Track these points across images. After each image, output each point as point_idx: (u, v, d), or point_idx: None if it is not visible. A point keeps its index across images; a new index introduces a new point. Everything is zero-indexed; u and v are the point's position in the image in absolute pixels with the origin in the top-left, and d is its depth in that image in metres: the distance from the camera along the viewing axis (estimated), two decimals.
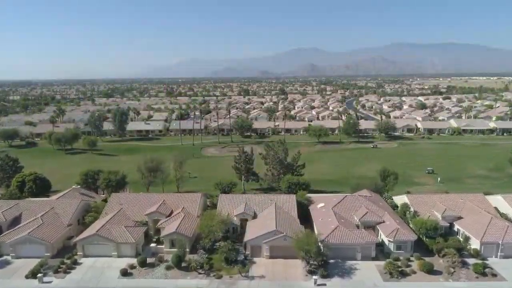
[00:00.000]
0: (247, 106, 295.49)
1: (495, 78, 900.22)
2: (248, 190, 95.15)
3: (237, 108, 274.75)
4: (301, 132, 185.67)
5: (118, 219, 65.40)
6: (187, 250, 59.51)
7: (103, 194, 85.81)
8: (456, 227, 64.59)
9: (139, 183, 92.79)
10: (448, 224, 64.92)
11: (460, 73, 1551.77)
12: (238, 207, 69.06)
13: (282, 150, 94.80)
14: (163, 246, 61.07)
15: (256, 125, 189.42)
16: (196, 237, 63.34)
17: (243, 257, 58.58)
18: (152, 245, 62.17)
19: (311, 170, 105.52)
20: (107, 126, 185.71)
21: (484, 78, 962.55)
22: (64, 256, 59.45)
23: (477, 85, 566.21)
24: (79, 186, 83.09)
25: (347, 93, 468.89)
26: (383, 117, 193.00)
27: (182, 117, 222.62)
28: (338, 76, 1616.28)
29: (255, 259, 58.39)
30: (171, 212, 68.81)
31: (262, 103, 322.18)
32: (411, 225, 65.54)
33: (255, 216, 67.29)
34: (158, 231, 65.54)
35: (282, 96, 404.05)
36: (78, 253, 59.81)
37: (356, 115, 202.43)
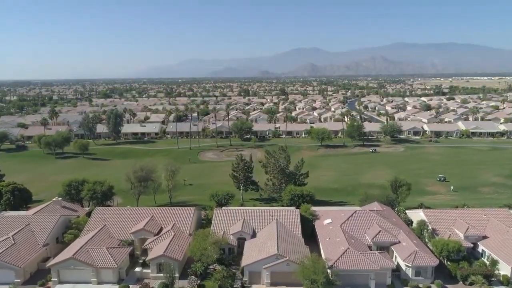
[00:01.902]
0: (247, 107, 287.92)
1: (497, 78, 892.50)
2: (247, 201, 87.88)
3: (236, 109, 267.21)
4: (303, 135, 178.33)
5: (100, 238, 58.26)
6: (177, 275, 52.17)
7: (88, 207, 78.40)
8: (481, 248, 57.28)
9: (130, 192, 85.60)
10: (472, 245, 57.59)
11: (461, 73, 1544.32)
12: (235, 224, 61.71)
13: (284, 157, 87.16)
14: (149, 271, 53.85)
15: (256, 127, 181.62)
16: (188, 258, 56.18)
17: (240, 284, 51.42)
18: (137, 269, 54.80)
19: (314, 177, 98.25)
20: (101, 128, 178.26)
21: (485, 78, 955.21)
22: (37, 282, 52.38)
23: (479, 85, 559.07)
24: (60, 198, 75.40)
25: (348, 93, 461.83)
26: (388, 119, 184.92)
27: (180, 118, 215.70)
28: (339, 76, 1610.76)
29: (254, 286, 51.22)
30: (161, 229, 61.56)
31: (263, 104, 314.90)
32: (429, 245, 58.31)
33: (254, 235, 60.01)
34: (145, 251, 58.39)
35: (283, 97, 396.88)
36: (52, 279, 52.56)
37: (360, 117, 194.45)
